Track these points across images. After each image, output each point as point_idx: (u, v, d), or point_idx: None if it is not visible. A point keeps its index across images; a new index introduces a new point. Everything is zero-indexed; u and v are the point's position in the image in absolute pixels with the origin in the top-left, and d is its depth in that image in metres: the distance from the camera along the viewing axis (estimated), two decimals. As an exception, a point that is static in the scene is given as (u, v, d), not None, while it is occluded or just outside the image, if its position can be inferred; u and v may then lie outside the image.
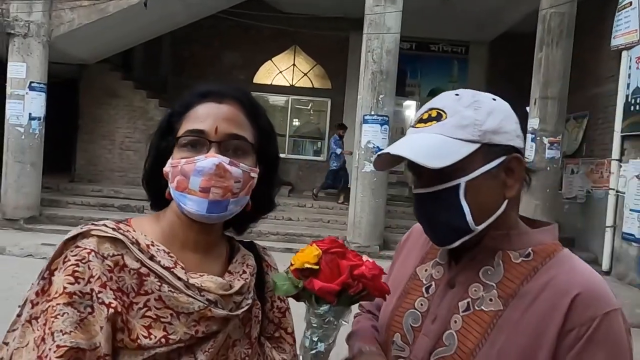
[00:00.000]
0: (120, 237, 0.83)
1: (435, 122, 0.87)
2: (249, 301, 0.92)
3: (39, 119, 8.27)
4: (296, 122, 13.21)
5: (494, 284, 0.87)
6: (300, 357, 0.84)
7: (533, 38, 7.80)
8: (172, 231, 0.90)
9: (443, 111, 0.87)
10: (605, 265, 7.60)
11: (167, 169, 0.88)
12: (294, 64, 12.65)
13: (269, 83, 12.68)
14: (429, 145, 0.84)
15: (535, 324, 0.81)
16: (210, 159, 0.84)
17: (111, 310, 0.78)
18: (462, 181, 0.84)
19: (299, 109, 13.24)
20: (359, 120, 8.03)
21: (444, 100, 0.90)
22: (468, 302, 0.88)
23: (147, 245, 0.85)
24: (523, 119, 8.09)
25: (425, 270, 0.99)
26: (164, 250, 0.86)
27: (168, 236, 0.89)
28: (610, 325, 0.78)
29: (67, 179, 10.65)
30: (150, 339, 0.79)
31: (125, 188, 9.86)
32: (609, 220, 7.54)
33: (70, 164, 10.93)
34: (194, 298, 0.83)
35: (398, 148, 0.87)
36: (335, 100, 12.34)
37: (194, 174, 0.84)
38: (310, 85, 12.70)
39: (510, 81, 10.98)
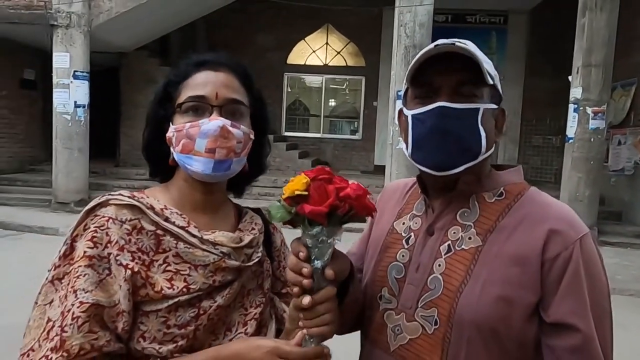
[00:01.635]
0: (136, 203, 0.91)
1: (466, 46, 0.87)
2: (259, 254, 0.99)
3: (84, 106, 8.62)
4: (332, 103, 13.20)
5: (472, 224, 0.91)
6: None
7: (576, 3, 7.43)
8: (181, 196, 0.97)
9: (466, 44, 0.89)
10: (654, 239, 7.31)
11: (170, 134, 0.95)
12: (327, 43, 12.59)
13: (302, 63, 12.69)
14: (480, 60, 0.85)
15: (516, 254, 0.85)
16: (214, 122, 0.90)
17: (128, 272, 0.85)
18: (481, 107, 0.88)
19: (334, 88, 13.21)
20: (393, 97, 7.94)
21: (457, 39, 0.91)
22: (449, 245, 0.92)
23: (161, 209, 0.92)
24: (565, 89, 7.82)
25: (403, 224, 1.02)
26: (176, 212, 0.93)
27: (178, 201, 0.97)
28: (588, 246, 0.86)
29: (113, 163, 11.12)
30: (173, 290, 0.87)
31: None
32: (659, 192, 7.22)
33: (115, 149, 11.39)
34: (209, 252, 0.91)
35: (465, 48, 0.85)
36: (369, 78, 12.23)
37: (199, 136, 0.90)
38: (344, 64, 12.62)
39: (552, 51, 10.56)
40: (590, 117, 7.23)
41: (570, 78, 7.57)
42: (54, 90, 8.52)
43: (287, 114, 12.90)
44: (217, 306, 0.91)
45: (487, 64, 0.88)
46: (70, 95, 8.46)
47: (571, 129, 7.45)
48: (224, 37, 12.36)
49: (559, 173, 8.20)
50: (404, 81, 0.95)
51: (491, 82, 0.87)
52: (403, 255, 0.98)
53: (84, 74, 8.54)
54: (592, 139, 7.29)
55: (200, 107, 0.93)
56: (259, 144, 1.02)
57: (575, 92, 7.36)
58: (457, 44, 0.87)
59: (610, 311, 0.88)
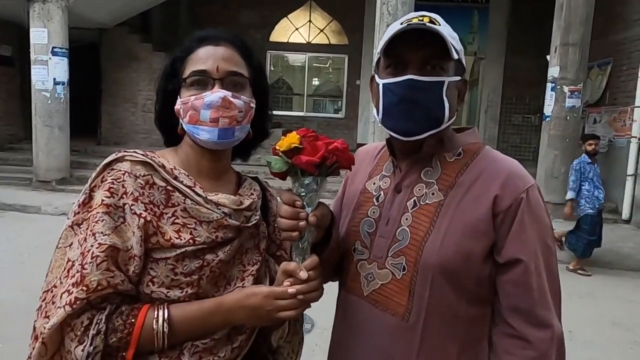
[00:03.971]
0: (149, 160, 1.00)
1: (435, 25, 0.95)
2: (257, 217, 1.09)
3: (63, 83, 8.49)
4: (315, 81, 13.19)
5: (434, 181, 1.03)
6: None
7: (556, -18, 7.52)
8: (188, 161, 1.06)
9: (436, 20, 0.98)
10: (625, 214, 7.60)
11: (178, 106, 1.03)
12: (310, 21, 12.52)
13: (285, 41, 12.61)
14: (447, 38, 0.93)
15: (474, 205, 0.98)
16: (216, 94, 0.98)
17: (142, 220, 0.94)
18: (446, 80, 0.97)
19: (317, 67, 13.18)
20: (376, 75, 7.97)
21: (428, 13, 1.00)
22: (414, 200, 1.03)
23: (171, 169, 1.01)
24: (545, 68, 7.95)
25: (374, 184, 1.13)
26: (184, 173, 1.02)
27: (185, 165, 1.05)
28: (534, 195, 0.99)
29: (94, 142, 11.00)
30: (181, 240, 0.96)
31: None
32: (630, 169, 7.48)
33: (96, 127, 11.26)
34: (212, 210, 1.00)
35: (434, 28, 0.93)
36: (353, 57, 12.22)
37: (203, 107, 0.98)
38: (327, 42, 12.58)
39: (533, 30, 10.67)
40: (567, 95, 7.39)
41: (548, 57, 7.70)
42: (32, 66, 8.35)
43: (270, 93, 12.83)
44: (219, 260, 1.00)
45: (453, 40, 0.97)
46: (49, 72, 8.31)
47: (548, 107, 7.61)
48: (207, 13, 12.20)
49: (538, 151, 8.39)
50: (377, 51, 1.03)
51: (456, 56, 0.96)
52: (374, 212, 1.08)
53: (63, 50, 8.38)
54: (568, 117, 7.47)
55: (203, 80, 1.00)
56: (261, 111, 1.10)
57: (553, 71, 7.51)
58: (425, 22, 0.95)
59: (554, 249, 1.00)
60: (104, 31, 10.57)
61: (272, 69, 12.96)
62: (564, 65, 7.37)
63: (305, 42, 12.64)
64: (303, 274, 0.94)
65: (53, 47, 8.26)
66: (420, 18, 0.97)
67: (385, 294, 1.01)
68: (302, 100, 13.00)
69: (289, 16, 12.42)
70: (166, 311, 0.93)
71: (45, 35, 8.21)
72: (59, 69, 8.38)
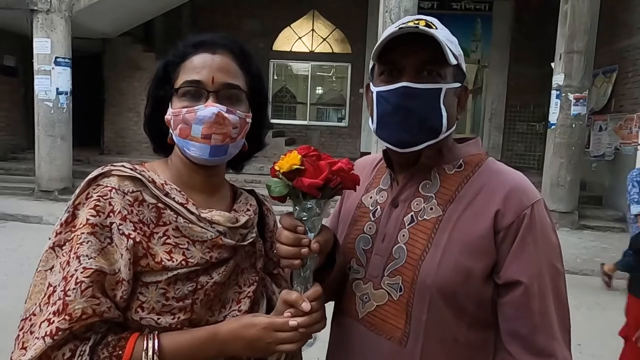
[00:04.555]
0: (138, 176, 0.92)
1: (431, 29, 0.88)
2: (253, 235, 1.01)
3: (66, 93, 8.49)
4: (319, 90, 13.17)
5: (433, 195, 0.95)
6: None
7: (559, -10, 7.49)
8: (179, 175, 0.98)
9: (432, 23, 0.92)
10: (632, 223, 7.47)
11: (168, 116, 0.96)
12: (312, 29, 12.52)
13: (288, 50, 12.61)
14: (442, 42, 0.87)
15: (474, 221, 0.90)
16: (209, 108, 0.91)
17: (130, 241, 0.86)
18: (444, 87, 0.91)
19: (320, 75, 13.17)
20: (378, 83, 7.94)
21: (425, 16, 0.94)
22: (412, 215, 0.96)
23: (162, 184, 0.94)
24: (549, 76, 7.90)
25: (370, 198, 1.06)
26: (176, 189, 0.94)
27: (176, 179, 0.98)
28: (540, 212, 0.90)
29: (97, 151, 11.00)
30: (173, 262, 0.89)
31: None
32: (637, 177, 7.36)
33: (99, 137, 11.26)
34: (206, 229, 0.93)
35: (428, 31, 0.86)
36: (356, 65, 12.20)
37: (195, 122, 0.91)
38: (330, 51, 12.57)
39: (537, 38, 10.63)
40: (572, 103, 7.34)
41: (553, 65, 7.65)
42: (35, 76, 8.37)
43: (273, 102, 12.83)
44: (213, 282, 0.93)
45: (451, 44, 0.91)
46: (52, 82, 8.32)
47: (553, 115, 7.55)
48: (209, 22, 12.22)
49: (542, 159, 8.32)
50: (371, 58, 0.97)
51: (454, 61, 0.89)
52: (370, 228, 1.01)
53: (66, 60, 8.40)
54: (573, 125, 7.40)
55: (196, 92, 0.93)
56: (258, 121, 1.03)
57: (558, 79, 7.45)
58: (420, 25, 0.89)
59: (562, 271, 0.92)
60: (106, 41, 10.60)
61: (275, 77, 12.95)
62: (568, 73, 7.32)
63: (308, 50, 12.64)
64: (306, 306, 0.87)
65: (56, 57, 8.28)
66: (416, 21, 0.91)
67: (381, 316, 0.94)
68: (306, 109, 12.97)
69: (291, 25, 12.43)
70: (156, 341, 0.85)
71: (48, 46, 8.24)
72: (62, 78, 8.40)
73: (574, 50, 7.26)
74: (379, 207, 1.02)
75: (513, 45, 11.52)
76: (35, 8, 8.20)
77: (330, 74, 13.25)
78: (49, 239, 0.89)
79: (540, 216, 0.90)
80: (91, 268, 0.82)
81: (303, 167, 0.84)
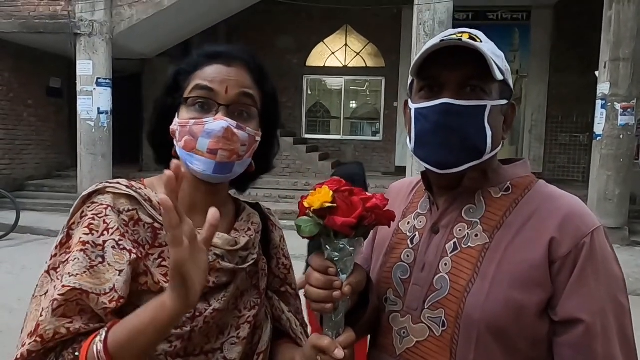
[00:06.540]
0: (134, 194, 0.87)
1: (475, 42, 0.83)
2: (255, 256, 0.95)
3: (107, 112, 8.79)
4: (352, 104, 13.14)
5: (478, 220, 0.86)
6: None
7: (601, -5, 7.22)
8: (180, 191, 0.92)
9: (477, 36, 0.85)
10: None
11: (174, 127, 0.90)
12: (346, 44, 12.54)
13: (322, 65, 12.66)
14: (487, 55, 0.80)
15: (525, 249, 0.81)
16: (219, 122, 0.85)
17: (133, 256, 0.81)
18: (489, 104, 0.83)
19: (354, 90, 13.15)
20: (413, 96, 7.83)
21: (469, 29, 0.87)
22: (454, 243, 0.87)
23: (159, 203, 0.87)
24: (592, 85, 7.58)
25: (408, 223, 0.97)
26: None
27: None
28: (600, 240, 0.81)
29: (136, 169, 11.28)
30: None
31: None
32: (693, 189, 6.93)
33: (138, 155, 11.56)
34: None
35: (472, 44, 0.81)
36: (390, 79, 12.11)
37: (202, 135, 0.86)
38: (364, 65, 12.55)
39: (578, 46, 10.28)
40: (619, 113, 7.00)
41: (597, 73, 7.34)
42: (78, 97, 8.70)
43: (307, 117, 12.88)
44: (213, 309, 0.87)
45: (498, 58, 0.83)
46: (93, 102, 8.64)
47: (599, 126, 7.22)
48: (244, 39, 12.43)
49: (587, 171, 7.97)
50: (410, 73, 0.90)
51: (500, 77, 0.82)
52: (408, 255, 0.93)
53: (107, 80, 8.71)
54: (621, 136, 7.06)
55: (206, 103, 0.88)
56: (268, 142, 0.97)
57: (603, 88, 7.14)
58: (464, 38, 0.82)
59: (627, 307, 0.81)
60: (145, 61, 10.93)
61: (309, 93, 13.01)
62: (614, 82, 7.00)
63: (341, 65, 12.65)
64: (339, 353, 0.79)
65: (97, 78, 8.59)
66: (459, 34, 0.84)
67: (422, 353, 0.85)
68: (339, 123, 12.94)
69: (325, 41, 12.49)
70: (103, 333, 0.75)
71: (90, 67, 8.56)
72: (103, 98, 8.70)
73: (619, 58, 6.95)
74: (417, 233, 0.94)
75: (553, 54, 11.17)
76: (79, 32, 8.57)
77: (364, 88, 13.20)
78: (46, 262, 0.84)
79: (601, 245, 0.81)
80: (69, 286, 0.76)
81: (335, 205, 0.77)
